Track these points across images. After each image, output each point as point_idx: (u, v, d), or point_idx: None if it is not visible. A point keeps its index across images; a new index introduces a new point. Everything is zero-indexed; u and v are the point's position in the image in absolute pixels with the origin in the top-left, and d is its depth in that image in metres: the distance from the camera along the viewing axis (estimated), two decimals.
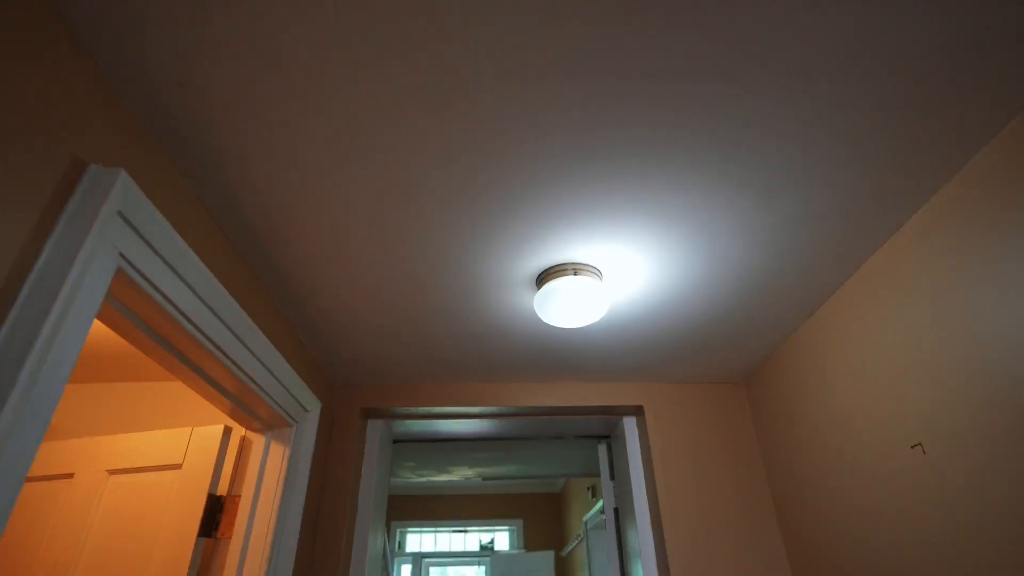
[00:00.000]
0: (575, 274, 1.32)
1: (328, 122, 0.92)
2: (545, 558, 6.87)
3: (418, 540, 7.90)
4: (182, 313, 0.99)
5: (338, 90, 0.87)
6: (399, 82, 0.86)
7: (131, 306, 0.93)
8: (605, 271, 1.35)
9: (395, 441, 2.31)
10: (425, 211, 1.13)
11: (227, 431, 1.49)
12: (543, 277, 1.35)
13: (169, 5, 0.75)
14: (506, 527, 7.81)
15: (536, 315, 1.54)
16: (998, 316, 0.97)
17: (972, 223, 1.03)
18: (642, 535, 1.88)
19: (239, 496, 1.45)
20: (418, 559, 7.64)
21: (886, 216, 1.18)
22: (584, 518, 5.33)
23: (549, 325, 1.61)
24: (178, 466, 1.45)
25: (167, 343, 1.07)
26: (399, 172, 1.03)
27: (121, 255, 0.82)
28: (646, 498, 1.94)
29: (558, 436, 2.37)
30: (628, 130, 0.95)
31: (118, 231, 0.81)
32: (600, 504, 4.52)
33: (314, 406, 1.65)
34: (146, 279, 0.88)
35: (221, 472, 1.45)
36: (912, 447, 1.20)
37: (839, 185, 1.09)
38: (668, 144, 0.98)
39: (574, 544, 6.08)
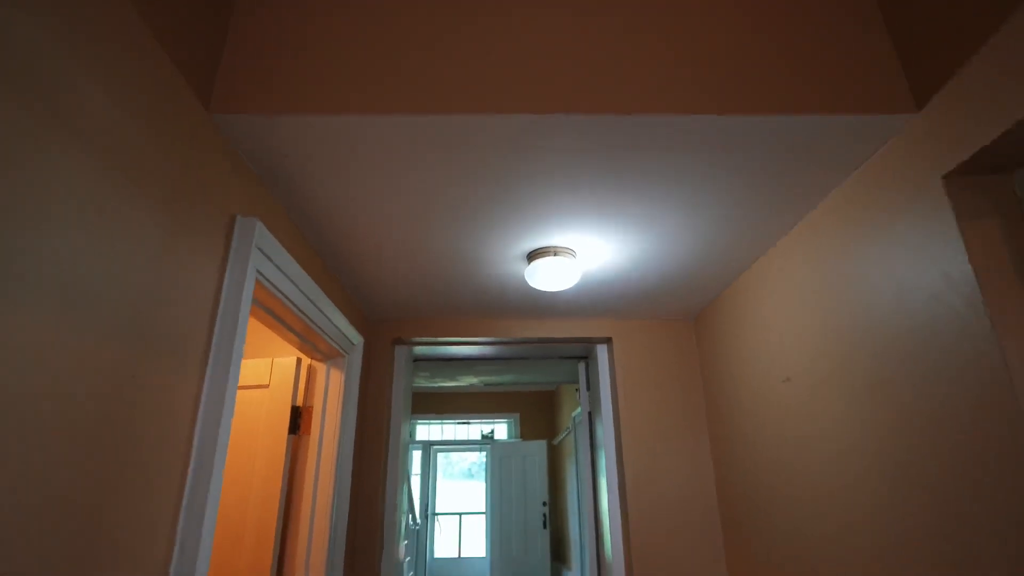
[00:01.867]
0: (555, 255, 1.79)
1: (375, 168, 1.35)
2: (539, 446, 7.83)
3: (427, 431, 8.91)
4: (286, 296, 1.48)
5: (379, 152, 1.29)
6: (435, 162, 1.28)
7: (259, 297, 1.41)
8: (579, 251, 1.82)
9: (415, 360, 2.88)
10: (447, 213, 1.58)
11: (298, 361, 2.03)
12: (532, 255, 1.82)
13: (278, 133, 1.16)
14: (504, 419, 8.77)
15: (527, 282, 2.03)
16: (858, 287, 1.46)
17: (841, 226, 1.49)
18: (606, 432, 2.50)
19: (312, 406, 2.01)
20: (427, 446, 8.67)
21: (781, 220, 1.63)
22: (572, 414, 6.11)
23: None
24: (266, 386, 2.01)
25: (273, 313, 1.56)
26: (426, 191, 1.47)
27: (258, 271, 1.29)
28: (611, 404, 2.53)
29: (546, 357, 2.95)
30: (603, 177, 1.38)
31: (257, 256, 1.27)
32: None
33: (358, 340, 2.18)
34: (269, 282, 1.36)
35: (297, 390, 2.01)
36: (783, 380, 1.75)
37: (745, 203, 1.53)
38: (630, 179, 1.41)
39: (563, 435, 6.97)
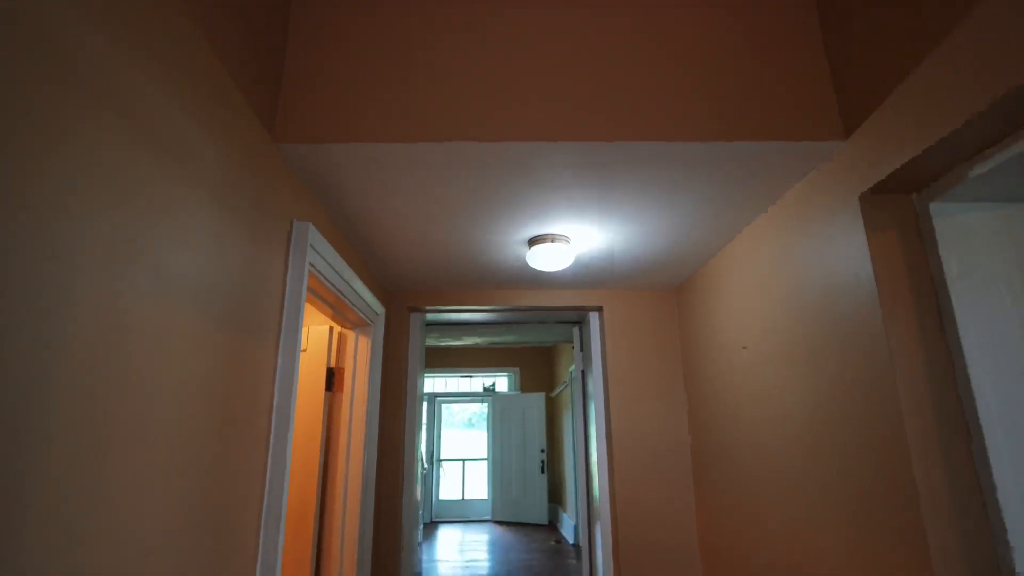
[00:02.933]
0: (552, 241, 2.08)
1: (401, 180, 1.64)
2: (538, 398, 8.30)
3: (431, 383, 9.38)
4: (326, 279, 1.78)
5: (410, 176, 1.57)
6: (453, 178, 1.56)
7: (310, 284, 1.72)
8: (573, 238, 2.12)
9: (427, 324, 3.22)
10: (460, 212, 1.87)
11: (331, 329, 2.35)
12: (532, 241, 2.12)
13: (326, 156, 1.43)
14: (505, 373, 9.22)
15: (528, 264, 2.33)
16: (797, 277, 1.78)
17: (786, 227, 1.78)
18: (596, 387, 2.86)
19: (343, 368, 2.35)
20: (432, 398, 9.15)
21: (741, 217, 1.92)
22: (569, 369, 6.52)
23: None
24: (304, 350, 2.34)
25: (316, 292, 1.87)
26: (442, 197, 1.76)
27: (310, 263, 1.60)
28: (601, 364, 2.88)
29: (544, 321, 3.28)
30: (593, 183, 1.66)
31: (310, 252, 1.57)
32: None
33: (381, 311, 2.50)
34: (316, 270, 1.67)
35: (331, 353, 2.34)
36: (742, 348, 2.08)
37: (711, 203, 1.82)
38: (615, 185, 1.70)
39: (561, 388, 7.40)
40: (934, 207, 1.36)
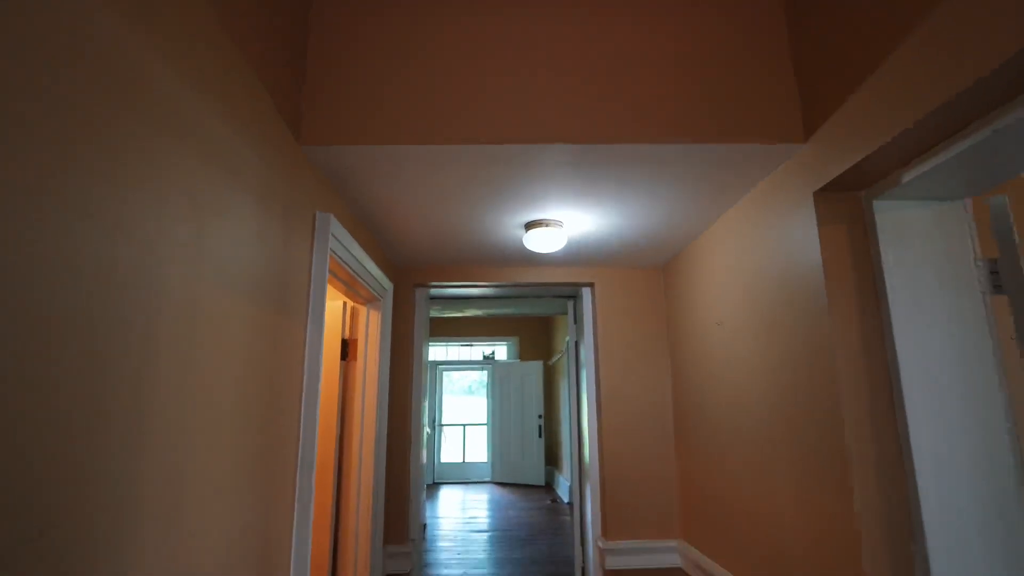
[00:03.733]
0: (547, 226, 2.29)
1: (411, 175, 1.83)
2: (536, 366, 8.58)
3: (434, 352, 9.65)
4: (343, 260, 1.99)
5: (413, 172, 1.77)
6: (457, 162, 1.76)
7: (331, 267, 1.94)
8: (565, 222, 2.32)
9: (431, 298, 3.44)
10: (463, 200, 2.07)
11: (344, 304, 2.57)
12: (528, 225, 2.32)
13: (345, 156, 1.62)
14: (505, 342, 9.47)
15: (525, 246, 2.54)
16: (763, 261, 1.99)
17: (754, 217, 1.99)
18: (588, 356, 3.10)
19: (356, 339, 2.58)
20: (434, 366, 9.45)
21: (717, 206, 2.12)
22: (566, 338, 6.77)
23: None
24: None
25: (333, 273, 2.08)
26: (448, 187, 1.95)
27: (332, 249, 1.80)
28: (593, 335, 3.11)
29: (540, 295, 3.50)
30: (584, 176, 1.86)
31: (331, 240, 1.78)
32: None
33: (389, 287, 2.72)
34: (335, 253, 1.88)
35: (345, 326, 2.57)
36: (717, 324, 2.31)
37: (690, 194, 2.01)
38: (603, 178, 1.89)
39: (557, 357, 7.67)
40: (876, 204, 1.56)
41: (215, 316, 1.13)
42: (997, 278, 1.54)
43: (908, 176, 1.44)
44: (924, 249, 1.54)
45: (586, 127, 1.64)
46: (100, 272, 0.80)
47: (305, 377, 1.63)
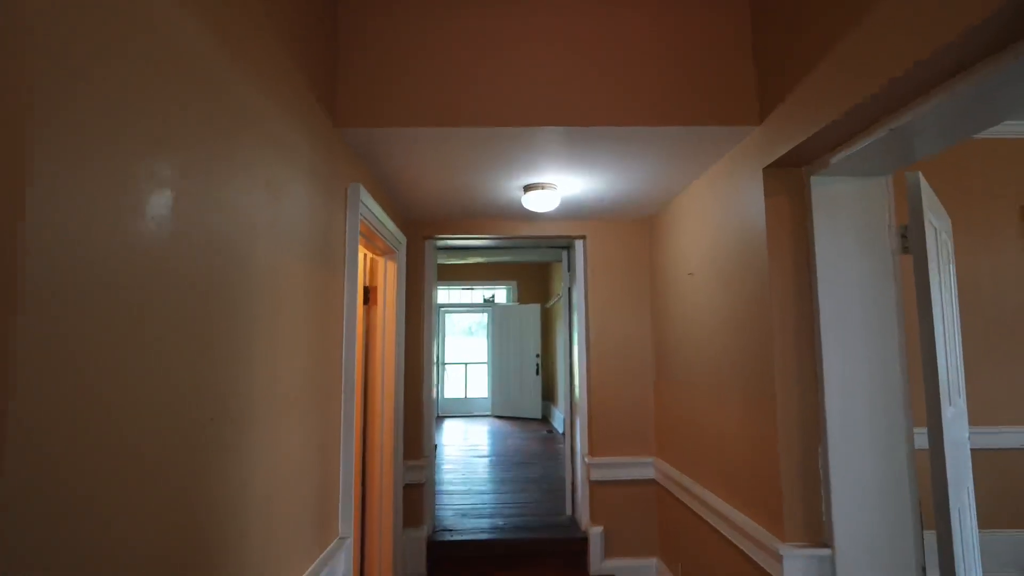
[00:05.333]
0: (542, 189, 2.61)
1: (426, 149, 2.14)
2: (533, 309, 9.02)
3: (435, 295, 10.06)
4: (368, 222, 2.33)
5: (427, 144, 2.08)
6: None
7: (361, 228, 2.28)
8: (559, 185, 2.64)
9: (438, 249, 3.79)
10: (469, 166, 2.38)
11: (365, 256, 2.93)
12: (526, 188, 2.65)
13: (372, 136, 1.93)
14: (504, 286, 9.88)
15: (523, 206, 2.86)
16: (725, 221, 2.34)
17: (719, 183, 2.32)
18: (579, 300, 3.49)
19: (376, 287, 2.96)
20: (437, 309, 9.88)
21: (690, 172, 2.44)
22: (562, 283, 7.16)
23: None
24: None
25: (360, 233, 2.43)
26: (456, 157, 2.27)
27: (361, 214, 2.14)
28: (584, 281, 3.49)
29: (538, 246, 3.85)
30: (574, 148, 2.17)
31: (360, 206, 2.11)
32: None
33: (403, 240, 3.06)
34: (363, 217, 2.22)
35: (366, 275, 2.93)
36: (689, 274, 2.68)
37: (667, 162, 2.33)
38: (591, 150, 2.21)
39: (554, 300, 8.09)
40: (813, 179, 1.89)
41: (287, 275, 1.49)
42: (906, 241, 1.90)
43: (836, 158, 1.77)
44: (849, 217, 1.89)
45: (575, 112, 1.95)
46: (224, 247, 1.15)
47: (345, 319, 2.02)
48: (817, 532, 1.82)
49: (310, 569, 1.61)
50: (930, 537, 2.15)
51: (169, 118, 0.95)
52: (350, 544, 1.96)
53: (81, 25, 0.75)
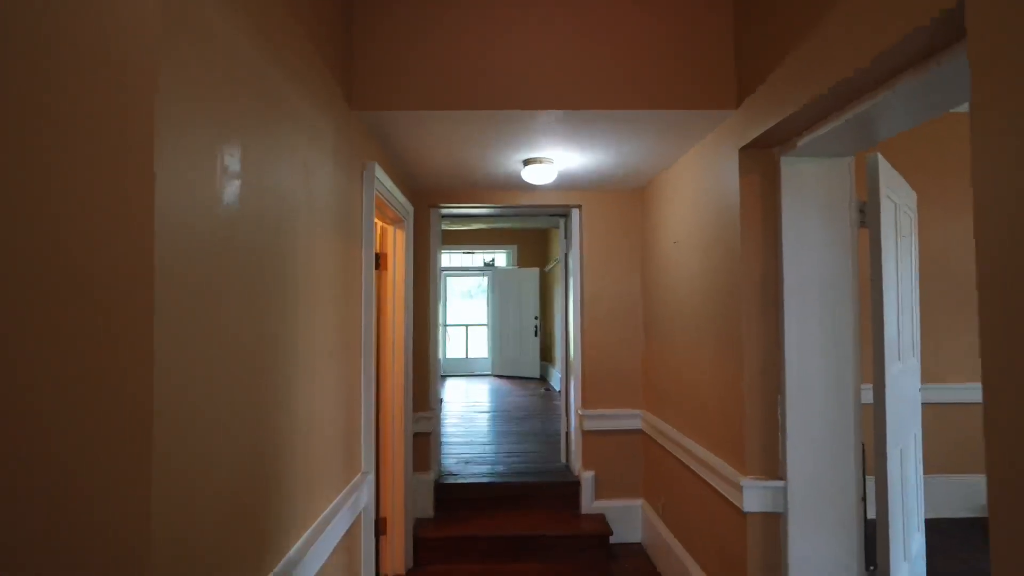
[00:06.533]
0: (541, 163, 2.82)
1: (434, 128, 2.34)
2: (532, 272, 9.26)
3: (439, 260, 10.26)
4: (381, 195, 2.55)
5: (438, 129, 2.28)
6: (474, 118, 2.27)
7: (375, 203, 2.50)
8: (556, 160, 2.85)
9: (443, 216, 4.01)
10: (472, 142, 2.58)
11: (376, 224, 3.15)
12: (526, 162, 2.85)
13: (385, 118, 2.13)
14: (504, 250, 10.09)
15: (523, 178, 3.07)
16: (705, 195, 2.57)
17: (702, 160, 2.53)
18: (575, 265, 3.73)
19: (386, 253, 3.19)
20: (439, 272, 10.10)
21: (678, 149, 2.64)
22: (560, 249, 7.37)
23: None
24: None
25: (376, 206, 2.65)
26: (462, 135, 2.47)
27: (377, 190, 2.36)
28: (579, 247, 3.72)
29: (537, 214, 4.07)
30: (570, 126, 2.37)
31: (376, 182, 2.33)
32: None
33: (411, 208, 3.29)
34: (380, 193, 2.44)
35: (377, 242, 3.16)
36: (674, 243, 2.91)
37: (657, 139, 2.53)
38: (586, 129, 2.41)
39: (553, 265, 8.33)
40: (783, 159, 2.11)
41: (319, 246, 1.73)
42: (864, 216, 2.13)
43: (803, 141, 1.98)
44: (813, 194, 2.11)
45: (573, 96, 2.15)
46: (274, 223, 1.39)
47: (363, 283, 2.26)
48: (773, 468, 2.11)
49: (342, 494, 1.91)
50: None
51: (231, 117, 1.17)
52: (371, 479, 2.26)
53: (177, 49, 0.96)
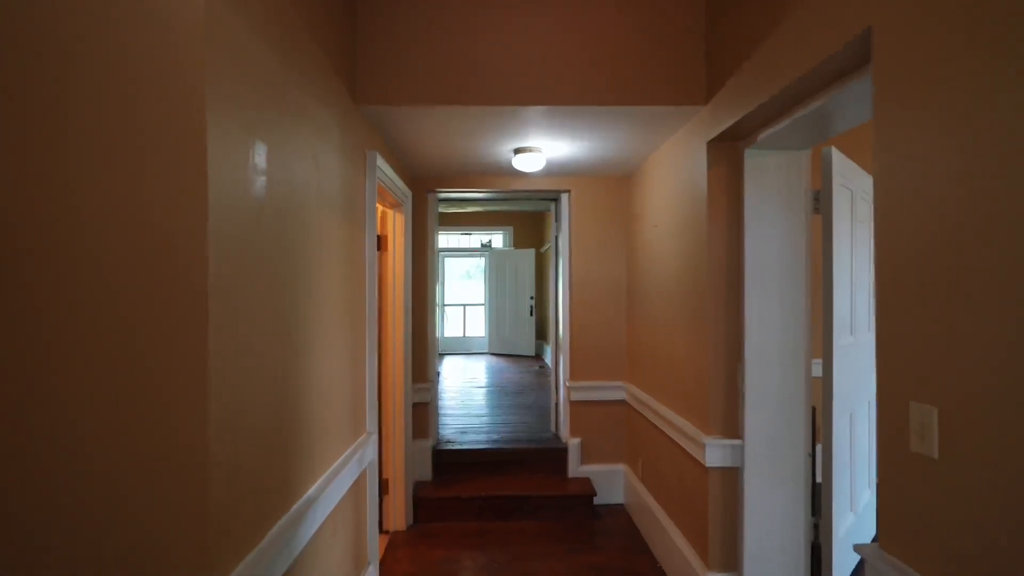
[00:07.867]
0: (530, 152, 3.04)
1: (430, 121, 2.55)
2: (528, 253, 9.47)
3: (436, 242, 10.46)
4: (382, 182, 2.77)
5: (431, 120, 2.49)
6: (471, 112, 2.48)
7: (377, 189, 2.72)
8: (544, 149, 3.06)
9: (440, 200, 4.22)
10: (466, 133, 2.80)
11: (377, 208, 3.37)
12: (516, 151, 3.07)
13: (386, 112, 2.34)
14: (500, 231, 10.28)
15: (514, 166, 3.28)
16: (680, 183, 2.79)
17: (677, 151, 2.75)
18: (564, 247, 3.96)
19: (387, 235, 3.42)
20: (437, 253, 10.31)
21: (657, 140, 2.85)
22: (551, 231, 7.58)
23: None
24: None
25: (378, 192, 2.87)
26: (456, 127, 2.68)
27: (379, 178, 2.58)
28: (568, 230, 3.95)
29: (529, 198, 4.28)
30: (557, 119, 2.59)
31: (377, 171, 2.55)
32: None
33: (409, 193, 3.50)
34: (381, 180, 2.66)
35: (378, 225, 3.38)
36: (653, 227, 3.14)
37: (637, 131, 2.74)
38: (571, 121, 2.62)
39: (548, 245, 8.55)
40: (747, 152, 2.33)
41: (328, 230, 1.96)
42: (818, 204, 2.36)
43: (764, 135, 2.20)
44: (773, 183, 2.34)
45: (557, 93, 2.36)
46: (292, 210, 1.61)
47: (367, 264, 2.50)
48: (733, 429, 2.37)
49: (350, 449, 2.17)
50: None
51: (258, 123, 1.39)
52: (375, 439, 2.52)
53: (217, 61, 1.18)
